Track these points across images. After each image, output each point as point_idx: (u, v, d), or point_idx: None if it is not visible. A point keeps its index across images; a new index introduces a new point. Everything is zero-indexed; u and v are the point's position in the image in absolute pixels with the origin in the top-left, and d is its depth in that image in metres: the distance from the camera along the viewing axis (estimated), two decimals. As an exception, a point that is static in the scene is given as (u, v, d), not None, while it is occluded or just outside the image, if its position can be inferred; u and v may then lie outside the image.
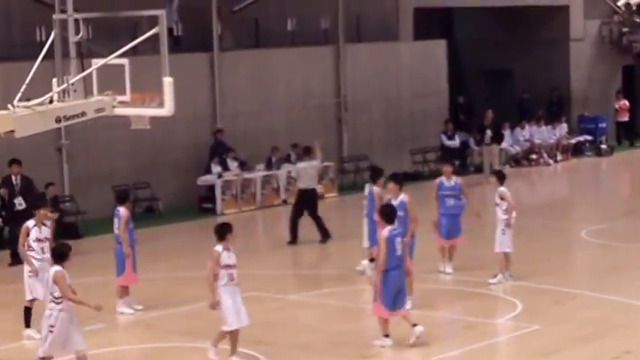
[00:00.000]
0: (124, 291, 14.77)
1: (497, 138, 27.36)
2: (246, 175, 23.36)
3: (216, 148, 23.75)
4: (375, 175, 16.07)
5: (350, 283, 16.15)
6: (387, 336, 12.52)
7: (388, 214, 12.67)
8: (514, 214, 15.74)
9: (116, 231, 14.80)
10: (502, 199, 15.73)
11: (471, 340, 12.62)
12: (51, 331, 11.33)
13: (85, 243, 19.75)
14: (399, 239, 12.41)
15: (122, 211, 14.75)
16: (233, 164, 23.59)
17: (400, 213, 14.10)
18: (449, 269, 16.24)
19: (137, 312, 14.74)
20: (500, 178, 15.97)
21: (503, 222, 15.69)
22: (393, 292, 12.29)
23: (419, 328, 12.43)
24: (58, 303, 11.31)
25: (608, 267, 16.88)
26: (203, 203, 23.08)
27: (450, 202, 16.26)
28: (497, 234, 15.71)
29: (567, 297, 15.09)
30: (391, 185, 14.70)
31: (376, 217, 14.21)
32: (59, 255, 11.55)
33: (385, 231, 12.44)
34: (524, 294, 15.13)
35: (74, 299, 11.35)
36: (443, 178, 16.46)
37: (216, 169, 23.29)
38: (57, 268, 11.42)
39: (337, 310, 14.43)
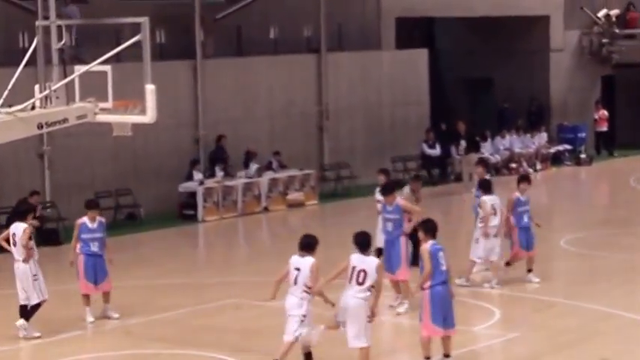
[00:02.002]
0: (86, 299, 14.56)
1: (474, 147, 27.54)
2: (228, 183, 23.41)
3: (217, 153, 23.82)
4: (486, 186, 16.22)
5: (329, 290, 16.16)
6: (447, 356, 12.06)
7: (433, 228, 12.16)
8: (493, 223, 15.82)
9: None
10: (479, 207, 15.91)
11: (452, 347, 12.65)
12: (303, 321, 11.60)
13: (66, 249, 19.65)
14: (441, 253, 11.99)
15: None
16: (220, 173, 23.65)
17: (396, 216, 14.61)
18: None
19: (95, 321, 14.49)
20: (484, 187, 16.05)
21: (480, 230, 15.87)
22: (443, 309, 11.88)
23: None
24: (309, 293, 11.49)
25: (586, 275, 17.00)
26: (184, 210, 23.12)
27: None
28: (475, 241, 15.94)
29: (545, 305, 15.19)
30: (388, 198, 14.89)
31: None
32: (308, 245, 11.69)
33: (428, 245, 11.93)
34: (502, 302, 15.24)
35: (321, 293, 11.53)
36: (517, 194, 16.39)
37: (197, 176, 23.35)
38: (312, 259, 11.59)
39: (316, 317, 14.46)
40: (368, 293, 11.50)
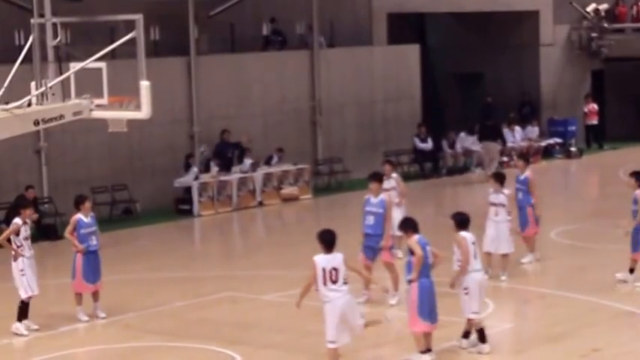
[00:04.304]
0: (79, 298, 14.51)
1: (492, 135, 27.71)
2: (223, 177, 23.59)
3: (221, 148, 24.02)
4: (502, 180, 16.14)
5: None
6: (429, 350, 12.12)
7: (414, 225, 12.18)
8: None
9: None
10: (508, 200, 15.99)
11: (443, 339, 12.73)
12: None
13: (63, 244, 19.82)
14: (428, 247, 12.09)
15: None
16: (214, 169, 23.79)
17: (379, 210, 14.56)
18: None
19: (96, 320, 14.48)
20: (500, 180, 16.07)
21: (510, 223, 16.03)
22: (430, 303, 11.99)
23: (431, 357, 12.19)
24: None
25: (577, 267, 17.13)
26: (180, 205, 23.27)
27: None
28: (506, 235, 15.99)
29: (537, 296, 15.36)
30: (374, 185, 14.79)
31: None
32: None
33: (416, 238, 12.02)
34: (495, 294, 15.31)
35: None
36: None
37: (192, 171, 23.51)
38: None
39: (311, 310, 14.60)
40: (347, 287, 11.55)
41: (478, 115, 30.29)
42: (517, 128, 30.13)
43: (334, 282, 11.41)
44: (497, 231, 15.95)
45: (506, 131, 29.88)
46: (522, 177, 17.06)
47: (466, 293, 12.43)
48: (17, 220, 14.01)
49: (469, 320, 12.55)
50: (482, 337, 12.52)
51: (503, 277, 15.93)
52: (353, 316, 11.58)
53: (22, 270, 13.87)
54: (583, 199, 25.57)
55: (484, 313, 14.31)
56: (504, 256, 16.03)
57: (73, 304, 14.54)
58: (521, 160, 17.53)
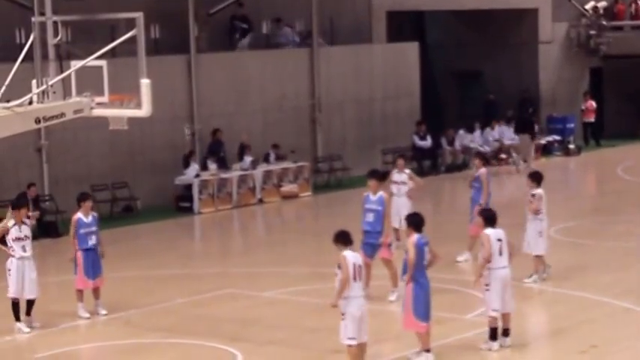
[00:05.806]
0: (80, 294, 14.59)
1: (524, 128, 27.77)
2: (223, 175, 23.66)
3: (213, 147, 24.12)
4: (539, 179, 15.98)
5: (323, 280, 16.46)
6: (428, 351, 12.18)
7: (418, 222, 12.27)
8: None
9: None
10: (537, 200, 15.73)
11: (441, 336, 12.83)
12: None
13: (64, 242, 19.89)
14: (426, 248, 12.16)
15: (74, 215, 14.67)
16: (212, 166, 23.87)
17: (378, 207, 14.60)
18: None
19: (97, 316, 14.56)
20: (537, 179, 15.84)
21: (542, 223, 15.83)
22: (426, 303, 12.07)
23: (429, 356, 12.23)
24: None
25: (576, 264, 17.18)
26: (180, 202, 23.34)
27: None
28: (534, 236, 15.80)
29: (535, 293, 15.43)
30: (372, 182, 14.82)
31: None
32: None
33: (414, 238, 12.09)
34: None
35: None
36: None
37: (193, 167, 23.57)
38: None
39: (311, 306, 14.71)
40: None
41: (479, 113, 30.38)
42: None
43: (360, 280, 11.49)
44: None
45: (504, 129, 29.93)
46: (477, 174, 17.17)
47: (487, 289, 12.51)
48: (7, 222, 14.05)
49: (504, 316, 12.65)
50: (493, 335, 12.60)
51: (538, 279, 15.75)
52: (366, 318, 11.60)
53: (8, 270, 13.95)
54: (581, 196, 25.64)
55: (481, 309, 14.42)
56: (537, 257, 15.87)
57: (74, 301, 14.62)
58: (478, 158, 17.59)
